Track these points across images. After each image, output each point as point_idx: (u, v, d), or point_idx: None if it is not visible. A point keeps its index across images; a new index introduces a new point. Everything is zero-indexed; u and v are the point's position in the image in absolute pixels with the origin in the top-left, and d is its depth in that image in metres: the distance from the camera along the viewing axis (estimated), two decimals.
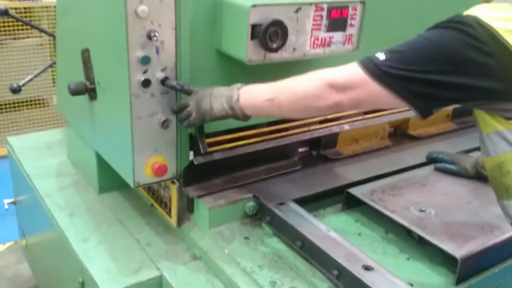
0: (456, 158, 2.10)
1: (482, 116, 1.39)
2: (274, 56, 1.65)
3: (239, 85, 1.56)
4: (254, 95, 1.52)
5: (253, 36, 1.58)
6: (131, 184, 1.73)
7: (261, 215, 1.84)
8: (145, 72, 1.61)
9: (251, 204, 1.84)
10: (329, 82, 1.41)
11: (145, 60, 1.58)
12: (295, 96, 1.46)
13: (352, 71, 1.39)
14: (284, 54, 1.67)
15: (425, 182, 2.06)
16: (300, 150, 2.15)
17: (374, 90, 1.37)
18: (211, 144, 1.81)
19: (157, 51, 1.60)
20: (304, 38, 1.68)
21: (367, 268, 1.52)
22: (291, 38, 1.65)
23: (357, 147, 2.28)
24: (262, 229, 1.82)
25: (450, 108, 2.54)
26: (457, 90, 1.32)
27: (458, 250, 1.61)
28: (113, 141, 1.83)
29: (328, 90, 1.41)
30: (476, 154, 2.16)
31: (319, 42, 1.73)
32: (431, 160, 2.19)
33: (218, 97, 1.55)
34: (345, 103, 1.41)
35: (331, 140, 2.19)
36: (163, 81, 1.64)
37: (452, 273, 1.63)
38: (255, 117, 1.58)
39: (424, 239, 1.70)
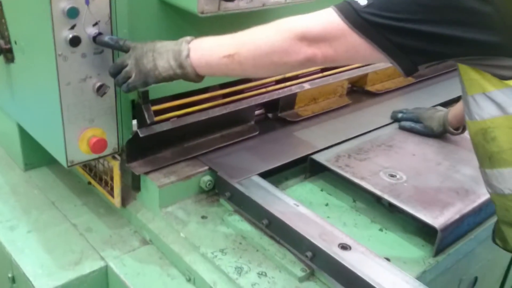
0: (421, 116, 1.96)
1: (468, 75, 1.23)
2: (230, 6, 1.40)
3: (188, 38, 1.30)
4: (209, 50, 1.27)
5: None
6: (64, 164, 1.46)
7: (219, 190, 1.62)
8: (72, 27, 1.32)
9: (207, 178, 1.62)
10: (299, 33, 1.18)
11: (73, 13, 1.30)
12: (259, 51, 1.22)
13: (327, 19, 1.18)
14: (241, 4, 1.42)
15: (391, 143, 1.92)
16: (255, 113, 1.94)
17: (354, 42, 1.16)
18: (157, 112, 1.55)
19: (87, 1, 1.31)
20: None
21: (344, 247, 1.36)
22: None
23: (316, 107, 2.09)
24: (221, 206, 1.62)
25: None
26: (450, 44, 1.14)
27: (436, 220, 1.48)
28: (38, 112, 1.54)
29: (298, 43, 1.19)
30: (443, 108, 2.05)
31: None
32: (395, 120, 2.05)
33: (163, 53, 1.28)
34: (319, 58, 1.20)
35: (289, 101, 1.99)
36: (95, 38, 1.35)
37: (429, 243, 1.52)
38: (210, 76, 1.33)
39: (395, 205, 1.56)
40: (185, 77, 1.30)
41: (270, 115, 2.02)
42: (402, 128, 2.00)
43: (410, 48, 1.15)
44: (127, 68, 1.31)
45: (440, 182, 1.69)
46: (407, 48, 1.15)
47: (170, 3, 1.43)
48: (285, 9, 1.53)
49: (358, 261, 1.32)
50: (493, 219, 1.44)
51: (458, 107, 1.84)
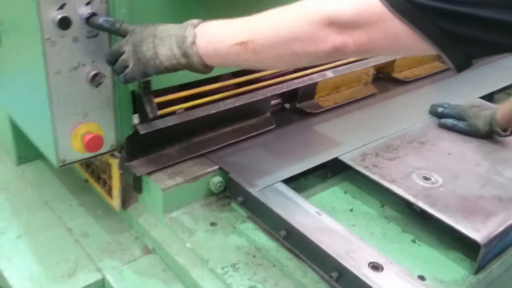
0: (465, 113, 1.74)
1: None
2: None
3: (195, 21, 1.11)
4: (218, 36, 1.08)
5: None
6: (54, 163, 1.28)
7: (230, 194, 1.44)
8: (62, 7, 1.13)
9: (217, 180, 1.43)
10: (327, 17, 0.98)
11: None
12: (278, 39, 1.02)
13: (361, 1, 0.97)
14: None
15: (423, 139, 1.71)
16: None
17: (394, 29, 0.96)
18: (161, 105, 1.36)
19: None
20: None
21: (375, 266, 1.17)
22: None
23: (339, 96, 1.89)
24: (232, 211, 1.43)
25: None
26: None
27: (479, 233, 1.29)
28: (27, 104, 1.36)
29: (325, 29, 0.98)
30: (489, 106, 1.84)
31: None
32: (435, 116, 1.83)
33: (165, 39, 1.09)
34: (350, 48, 1.00)
35: (309, 90, 1.79)
36: (88, 19, 1.16)
37: (467, 257, 1.33)
38: (220, 67, 1.13)
39: (430, 214, 1.37)
40: (190, 67, 1.11)
41: (287, 105, 1.82)
42: (443, 126, 1.77)
43: (464, 37, 0.95)
44: (124, 56, 1.12)
45: (480, 186, 1.49)
46: (460, 37, 0.95)
47: None
48: None
49: (392, 284, 1.13)
50: None
51: (508, 106, 1.63)
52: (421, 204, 1.38)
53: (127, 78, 1.14)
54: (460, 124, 1.73)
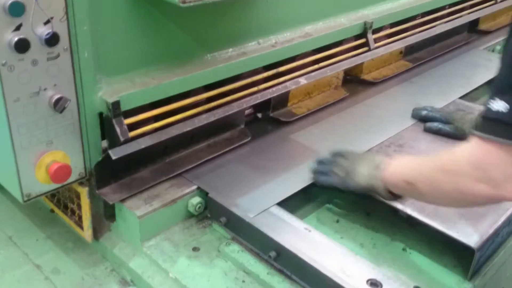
0: (451, 116, 1.72)
1: None
2: None
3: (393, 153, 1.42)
4: (396, 170, 1.25)
5: None
6: (19, 198, 1.17)
7: (212, 215, 1.36)
8: (18, 28, 1.03)
9: (196, 201, 1.35)
10: (480, 177, 1.03)
11: (17, 9, 1.01)
12: (441, 191, 1.13)
13: (497, 158, 1.00)
14: None
15: (401, 141, 1.67)
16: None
17: None
18: (132, 126, 1.26)
19: None
20: None
21: (373, 284, 1.12)
22: None
23: (311, 102, 1.84)
24: (215, 232, 1.35)
25: (401, 45, 2.14)
26: None
27: (472, 238, 1.26)
28: None
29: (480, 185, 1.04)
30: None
31: None
32: (419, 119, 1.79)
33: (366, 161, 1.33)
34: (508, 197, 1.03)
35: (282, 98, 1.73)
36: (50, 40, 1.05)
37: (460, 263, 1.30)
38: (398, 194, 1.27)
39: (420, 221, 1.33)
40: (377, 190, 1.28)
41: (259, 115, 1.76)
42: (428, 130, 1.73)
43: None
44: (336, 167, 1.35)
45: None
46: None
47: None
48: None
49: None
50: None
51: None
52: (409, 211, 1.34)
53: (329, 182, 1.37)
54: (446, 128, 1.70)
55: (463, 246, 1.25)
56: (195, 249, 1.30)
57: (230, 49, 1.47)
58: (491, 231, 1.29)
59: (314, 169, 1.44)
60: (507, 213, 1.36)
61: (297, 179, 1.45)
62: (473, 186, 1.04)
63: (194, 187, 1.37)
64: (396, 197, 1.29)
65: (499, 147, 0.98)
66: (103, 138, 1.25)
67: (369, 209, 1.47)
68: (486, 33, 2.65)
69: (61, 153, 1.18)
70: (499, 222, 1.32)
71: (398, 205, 1.37)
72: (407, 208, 1.36)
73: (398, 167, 1.25)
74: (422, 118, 1.77)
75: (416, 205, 1.37)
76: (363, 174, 1.30)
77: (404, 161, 1.28)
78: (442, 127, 1.70)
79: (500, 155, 0.99)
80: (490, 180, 1.02)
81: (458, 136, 1.67)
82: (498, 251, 1.36)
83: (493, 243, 1.33)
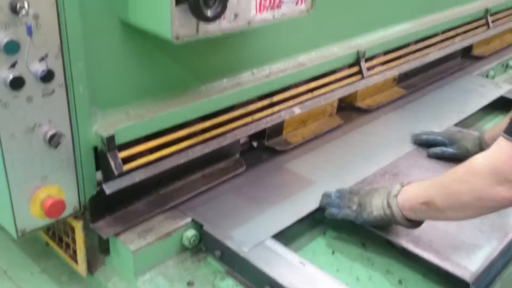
0: (454, 137, 1.73)
1: None
2: (211, 28, 1.13)
3: (405, 181, 1.33)
4: (410, 195, 1.28)
5: (179, 1, 1.05)
6: (13, 234, 1.17)
7: (206, 248, 1.35)
8: (13, 65, 1.03)
9: (190, 233, 1.35)
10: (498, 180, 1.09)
11: (11, 48, 1.02)
12: (457, 203, 1.18)
13: None
14: (223, 24, 1.16)
15: (395, 170, 1.68)
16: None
17: None
18: (126, 159, 1.27)
19: (29, 32, 1.03)
20: None
21: None
22: (232, 0, 1.14)
23: (306, 130, 1.85)
24: (209, 265, 1.34)
25: (395, 73, 2.15)
26: None
27: (466, 271, 1.26)
28: None
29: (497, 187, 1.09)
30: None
31: (267, 3, 1.24)
32: (421, 144, 1.80)
33: (380, 191, 1.35)
34: None
35: (276, 127, 1.73)
36: (45, 77, 1.06)
37: None
38: (415, 219, 1.30)
39: (414, 254, 1.33)
40: (393, 218, 1.30)
41: (255, 143, 1.76)
42: (433, 156, 1.75)
43: None
44: (355, 199, 1.38)
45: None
46: None
47: (135, 27, 1.15)
48: (272, 27, 1.30)
49: None
50: None
51: (497, 128, 1.62)
52: (404, 243, 1.35)
53: (342, 215, 1.37)
54: (450, 150, 1.72)
55: (457, 279, 1.25)
56: (189, 283, 1.29)
57: (225, 80, 1.48)
58: (486, 263, 1.29)
59: (324, 202, 1.43)
60: (502, 245, 1.36)
61: (292, 209, 1.45)
62: (492, 190, 1.08)
63: (189, 219, 1.37)
64: (416, 224, 1.30)
65: None
66: (97, 169, 1.25)
67: (365, 240, 1.46)
68: (480, 58, 2.67)
69: (56, 188, 1.18)
70: (494, 254, 1.32)
71: (392, 237, 1.37)
72: (402, 239, 1.36)
73: (411, 192, 1.28)
74: (424, 143, 1.78)
75: (411, 236, 1.37)
76: (377, 206, 1.32)
77: (414, 185, 1.30)
78: (446, 150, 1.72)
79: None
80: (508, 182, 1.06)
81: (460, 156, 1.67)
82: (493, 283, 1.36)
83: (489, 275, 1.32)
